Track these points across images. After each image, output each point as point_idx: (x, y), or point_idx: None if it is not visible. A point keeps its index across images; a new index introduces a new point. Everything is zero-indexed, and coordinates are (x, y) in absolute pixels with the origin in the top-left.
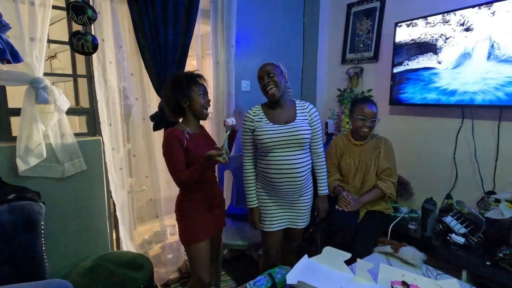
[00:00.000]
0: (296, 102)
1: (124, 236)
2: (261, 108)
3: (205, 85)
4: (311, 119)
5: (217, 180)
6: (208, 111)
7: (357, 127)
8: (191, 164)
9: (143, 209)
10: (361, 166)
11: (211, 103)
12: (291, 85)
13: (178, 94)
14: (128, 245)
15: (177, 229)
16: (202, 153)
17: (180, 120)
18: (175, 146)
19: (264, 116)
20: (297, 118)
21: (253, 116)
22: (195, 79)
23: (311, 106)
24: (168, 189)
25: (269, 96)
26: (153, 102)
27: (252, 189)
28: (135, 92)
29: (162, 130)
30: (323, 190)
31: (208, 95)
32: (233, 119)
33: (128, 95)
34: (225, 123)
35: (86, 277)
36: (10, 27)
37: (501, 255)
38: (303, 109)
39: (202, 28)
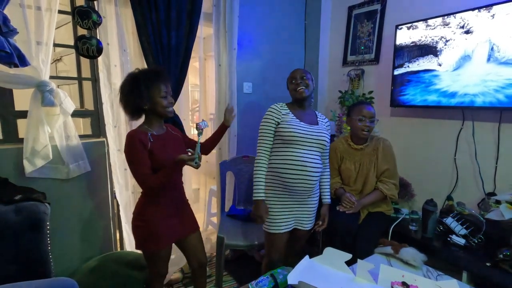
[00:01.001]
0: (316, 112)
1: (128, 236)
2: (286, 105)
3: (168, 83)
4: (326, 130)
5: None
6: (172, 108)
7: (357, 129)
8: (156, 166)
9: None
10: (361, 170)
11: (213, 104)
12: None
13: (136, 96)
14: (131, 245)
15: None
16: (170, 155)
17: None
18: (138, 149)
19: (290, 112)
20: (319, 123)
21: (280, 109)
22: (156, 78)
23: (327, 119)
24: None
25: (297, 95)
26: None
27: (262, 180)
28: None
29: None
30: (327, 199)
31: (171, 94)
32: (205, 122)
33: None
34: (198, 126)
35: (91, 276)
36: (18, 32)
37: (501, 256)
38: (322, 119)
39: (204, 30)
